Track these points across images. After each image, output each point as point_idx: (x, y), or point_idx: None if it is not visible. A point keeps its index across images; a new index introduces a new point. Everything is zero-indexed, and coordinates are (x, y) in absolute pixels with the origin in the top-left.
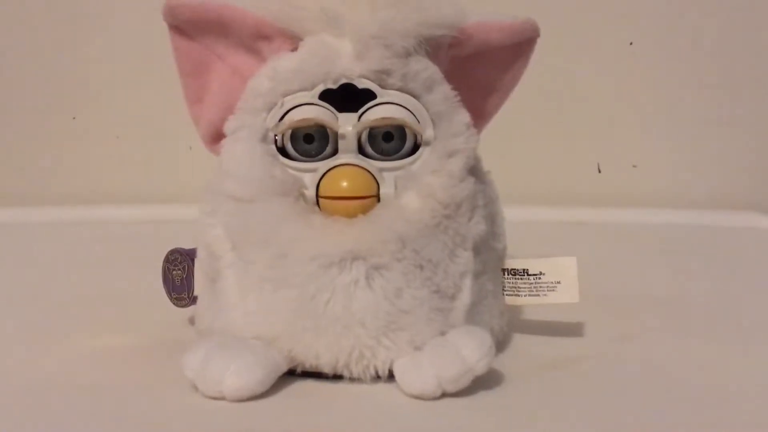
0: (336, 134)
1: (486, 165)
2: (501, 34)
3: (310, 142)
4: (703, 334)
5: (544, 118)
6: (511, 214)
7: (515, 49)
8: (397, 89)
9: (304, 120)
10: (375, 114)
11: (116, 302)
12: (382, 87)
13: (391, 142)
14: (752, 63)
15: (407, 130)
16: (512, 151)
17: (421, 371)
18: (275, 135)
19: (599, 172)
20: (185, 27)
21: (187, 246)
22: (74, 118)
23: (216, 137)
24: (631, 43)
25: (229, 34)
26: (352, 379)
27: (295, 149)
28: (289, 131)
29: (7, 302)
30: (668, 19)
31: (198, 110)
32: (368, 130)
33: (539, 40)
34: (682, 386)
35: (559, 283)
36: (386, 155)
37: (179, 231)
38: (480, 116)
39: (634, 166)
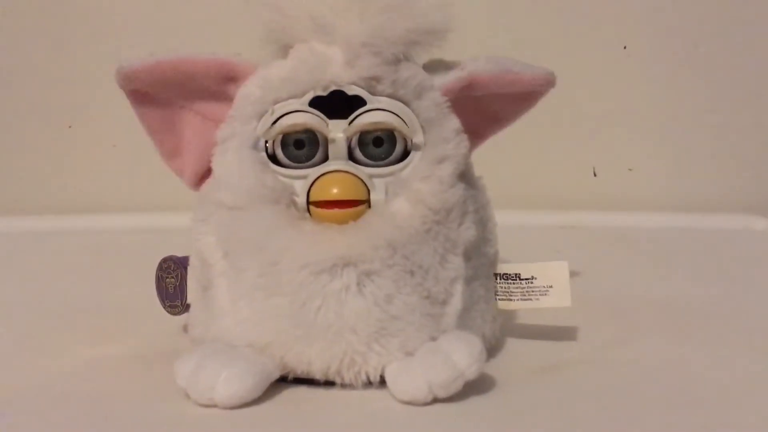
0: (326, 140)
1: (480, 169)
2: (520, 88)
3: (300, 148)
4: (698, 338)
5: (539, 121)
6: (506, 218)
7: (529, 95)
8: (387, 96)
9: (294, 125)
10: (365, 119)
11: (110, 310)
12: (372, 94)
13: (381, 147)
14: (747, 66)
15: (397, 135)
16: (507, 155)
17: (412, 377)
18: (266, 142)
19: (594, 175)
20: (145, 89)
21: (180, 254)
22: (70, 126)
23: (202, 179)
24: (625, 47)
25: (192, 85)
26: (343, 386)
27: (285, 155)
28: (280, 137)
29: (0, 310)
30: (662, 22)
31: (179, 164)
32: (358, 135)
33: (535, 43)
34: (677, 390)
35: (551, 287)
36: (376, 160)
37: (174, 239)
38: (477, 138)
39: (630, 170)
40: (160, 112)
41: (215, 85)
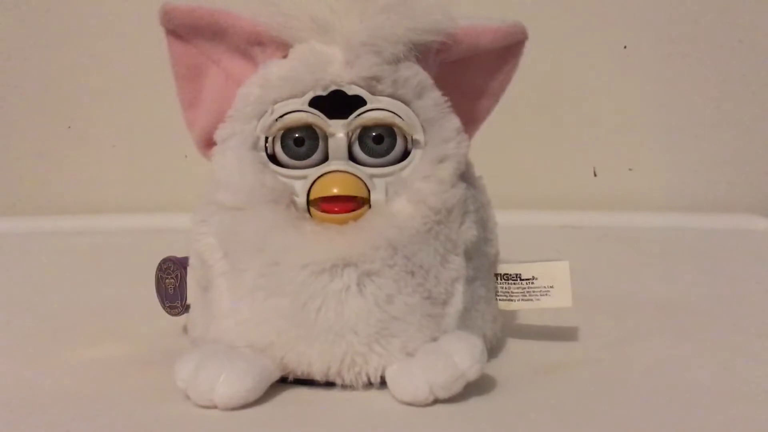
0: (326, 139)
1: (481, 169)
2: (489, 38)
3: (300, 145)
4: (699, 338)
5: (539, 121)
6: (506, 218)
7: (504, 52)
8: (388, 95)
9: (296, 119)
10: (366, 118)
11: (110, 311)
12: (372, 93)
13: (382, 143)
14: (748, 66)
15: (397, 133)
16: (507, 155)
17: (413, 377)
18: (266, 141)
19: (595, 175)
20: (181, 30)
21: (180, 254)
22: (69, 127)
23: (209, 142)
24: (625, 47)
25: (224, 39)
26: (344, 386)
27: (285, 153)
28: (280, 134)
29: (0, 310)
30: (662, 22)
31: (192, 115)
32: (359, 132)
33: (536, 43)
34: (678, 390)
35: (552, 287)
36: (377, 157)
37: (174, 240)
38: (471, 121)
39: (630, 170)
40: (189, 59)
41: (244, 43)
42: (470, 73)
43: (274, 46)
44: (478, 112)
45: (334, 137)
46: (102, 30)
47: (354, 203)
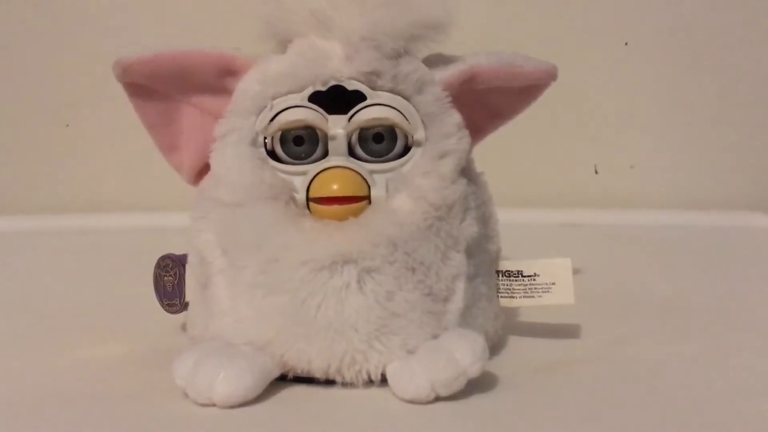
0: (326, 136)
1: (482, 166)
2: (521, 81)
3: (299, 144)
4: (701, 336)
5: (541, 119)
6: (507, 216)
7: (530, 89)
8: (388, 90)
9: (293, 121)
10: (365, 115)
11: (109, 310)
12: (372, 88)
13: (382, 143)
14: (750, 63)
15: (398, 131)
16: (508, 152)
17: (414, 375)
18: (265, 138)
19: (596, 173)
20: (143, 82)
21: (179, 252)
22: (67, 125)
23: (200, 174)
24: (626, 43)
25: (191, 79)
26: (344, 384)
27: (284, 152)
28: (279, 133)
29: None
30: (664, 19)
31: (177, 158)
32: (358, 131)
33: (537, 40)
34: (680, 388)
35: (553, 284)
36: (377, 156)
37: (172, 238)
38: (478, 133)
39: (632, 167)
40: (158, 106)
41: (214, 79)
42: (492, 98)
43: (247, 70)
44: (489, 128)
45: (334, 139)
46: (101, 28)
47: (354, 199)
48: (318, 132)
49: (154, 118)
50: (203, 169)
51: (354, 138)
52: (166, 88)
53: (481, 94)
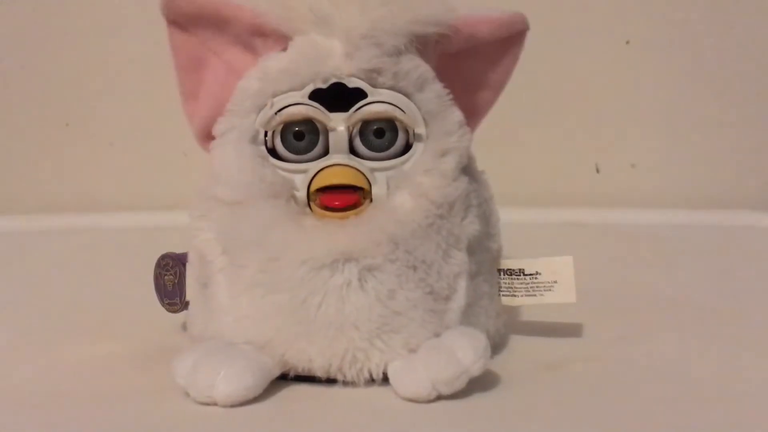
0: (327, 133)
1: (483, 165)
2: (489, 28)
3: (300, 139)
4: (703, 335)
5: (542, 117)
6: (508, 215)
7: (504, 43)
8: (388, 88)
9: (295, 113)
10: (366, 112)
11: (109, 309)
12: (373, 86)
13: (383, 137)
14: (751, 62)
15: (399, 127)
16: (510, 151)
17: (415, 374)
18: (265, 135)
19: (597, 172)
20: (182, 21)
21: (179, 251)
22: (67, 124)
23: (209, 135)
24: (627, 42)
25: (226, 30)
26: (345, 383)
27: (285, 147)
28: (280, 128)
29: None
30: (665, 18)
31: (192, 106)
32: (359, 126)
33: (538, 39)
34: (682, 387)
35: (555, 282)
36: (378, 151)
37: (173, 238)
38: (472, 114)
39: (633, 166)
40: (191, 51)
41: (246, 34)
42: (470, 64)
43: (276, 38)
44: (480, 105)
45: (334, 131)
46: (100, 28)
47: (355, 195)
48: (319, 126)
49: (185, 61)
50: (211, 133)
51: (355, 132)
52: (202, 33)
53: (457, 61)
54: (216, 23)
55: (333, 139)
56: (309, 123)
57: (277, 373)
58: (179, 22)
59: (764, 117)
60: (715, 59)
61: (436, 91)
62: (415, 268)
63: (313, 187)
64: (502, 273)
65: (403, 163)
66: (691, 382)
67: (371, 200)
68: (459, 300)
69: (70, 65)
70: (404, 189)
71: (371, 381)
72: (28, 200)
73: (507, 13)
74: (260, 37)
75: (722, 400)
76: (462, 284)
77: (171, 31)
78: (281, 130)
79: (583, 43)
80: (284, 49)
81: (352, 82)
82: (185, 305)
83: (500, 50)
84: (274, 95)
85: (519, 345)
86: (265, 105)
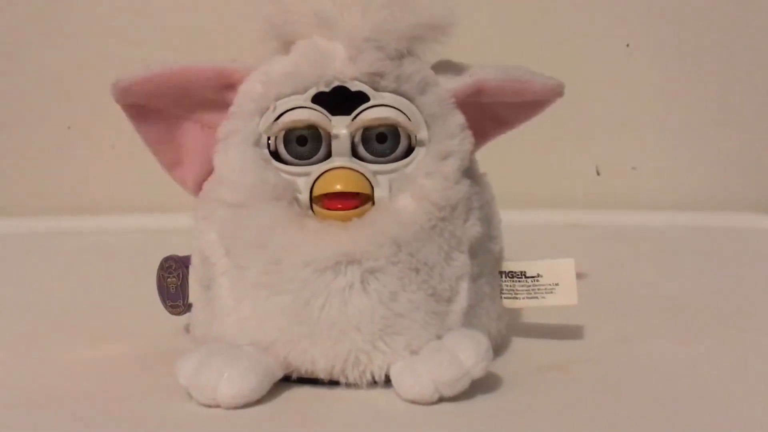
0: (329, 136)
1: (484, 167)
2: (526, 97)
3: (303, 144)
4: (704, 336)
5: (543, 120)
6: (509, 217)
7: (537, 104)
8: (391, 91)
9: (297, 120)
10: (368, 116)
11: (112, 311)
12: (376, 89)
13: (385, 143)
14: (751, 64)
15: (401, 131)
16: (511, 153)
17: (417, 376)
18: (268, 138)
19: (598, 174)
20: (141, 103)
21: (181, 254)
22: (69, 127)
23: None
24: (628, 45)
25: (190, 96)
26: (348, 385)
27: (288, 152)
28: (282, 133)
29: (1, 311)
30: (665, 21)
31: (181, 173)
32: (362, 131)
33: (539, 42)
34: (683, 388)
35: (557, 285)
36: (380, 156)
37: (174, 240)
38: (481, 139)
39: (634, 169)
40: (158, 125)
41: (213, 94)
42: (497, 109)
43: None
44: (491, 133)
45: (337, 137)
46: (102, 29)
47: (357, 200)
48: (321, 132)
49: (156, 137)
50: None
51: (357, 138)
52: (165, 106)
53: (486, 105)
54: (176, 94)
55: (335, 143)
56: (312, 128)
57: (280, 374)
58: (137, 106)
59: (764, 120)
60: (716, 62)
61: (438, 95)
62: (417, 271)
63: (316, 193)
64: (503, 275)
65: (406, 166)
66: (692, 383)
67: (373, 203)
68: (461, 302)
69: (71, 67)
70: (406, 192)
71: (374, 383)
72: (30, 203)
73: (549, 84)
74: (229, 89)
75: (723, 401)
76: (464, 286)
77: (131, 116)
78: (284, 135)
79: (583, 46)
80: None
81: (355, 86)
82: (188, 307)
83: (532, 108)
84: (277, 98)
85: (521, 347)
86: (268, 108)
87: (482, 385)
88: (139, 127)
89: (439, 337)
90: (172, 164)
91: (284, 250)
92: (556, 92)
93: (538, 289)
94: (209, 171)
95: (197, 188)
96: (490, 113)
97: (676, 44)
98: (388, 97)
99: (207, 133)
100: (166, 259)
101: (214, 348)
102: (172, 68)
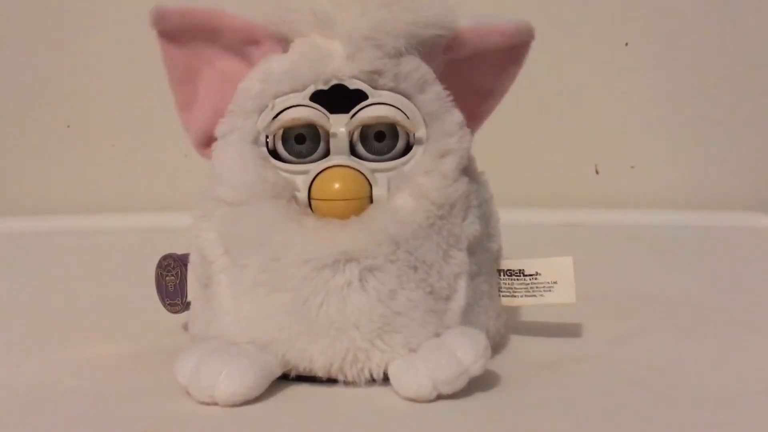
0: (328, 134)
1: (483, 166)
2: (496, 38)
3: (301, 142)
4: (703, 335)
5: (541, 119)
6: (508, 216)
7: (510, 52)
8: (389, 90)
9: (295, 119)
10: (367, 114)
11: (111, 310)
12: (374, 87)
13: (383, 141)
14: (750, 63)
15: (399, 130)
16: (510, 152)
17: (416, 373)
18: (266, 137)
19: (597, 173)
20: (174, 33)
21: (180, 252)
22: (68, 126)
23: (207, 142)
24: (627, 44)
25: (218, 39)
26: (346, 383)
27: (286, 150)
28: (281, 132)
29: (1, 311)
30: (664, 19)
31: (188, 117)
32: (360, 129)
33: (538, 40)
34: (681, 387)
35: (555, 283)
36: (378, 155)
37: (173, 239)
38: (474, 119)
39: (632, 167)
40: (184, 62)
41: (239, 43)
42: (476, 71)
43: (270, 44)
44: (482, 110)
45: (335, 136)
46: (101, 29)
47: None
48: (320, 130)
49: (179, 72)
50: (209, 140)
51: (356, 136)
52: (194, 44)
53: (464, 68)
54: (207, 34)
55: (334, 142)
56: (310, 126)
57: (278, 372)
58: (170, 34)
59: (763, 119)
60: (715, 61)
61: (436, 93)
62: (415, 269)
63: (314, 196)
64: (502, 273)
65: (404, 164)
66: (690, 382)
67: (372, 201)
68: (459, 300)
69: (71, 66)
70: (405, 190)
71: (372, 381)
72: (29, 202)
73: (514, 24)
74: (253, 45)
75: (722, 400)
76: (462, 284)
77: (162, 43)
78: (282, 133)
79: (582, 44)
80: (285, 51)
81: (353, 84)
82: (186, 306)
83: (506, 59)
84: (276, 96)
85: (519, 345)
86: (267, 106)
87: (480, 383)
88: (167, 56)
89: (437, 335)
90: (184, 105)
91: (283, 248)
92: (524, 31)
93: (537, 288)
94: (214, 124)
95: (198, 138)
96: (471, 86)
97: (674, 43)
98: (386, 96)
99: (224, 86)
100: (165, 258)
101: (212, 346)
102: (210, 8)
